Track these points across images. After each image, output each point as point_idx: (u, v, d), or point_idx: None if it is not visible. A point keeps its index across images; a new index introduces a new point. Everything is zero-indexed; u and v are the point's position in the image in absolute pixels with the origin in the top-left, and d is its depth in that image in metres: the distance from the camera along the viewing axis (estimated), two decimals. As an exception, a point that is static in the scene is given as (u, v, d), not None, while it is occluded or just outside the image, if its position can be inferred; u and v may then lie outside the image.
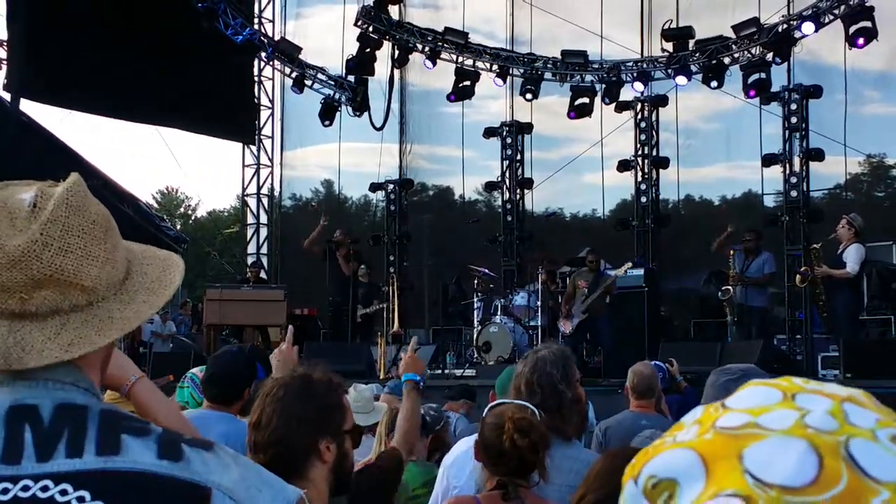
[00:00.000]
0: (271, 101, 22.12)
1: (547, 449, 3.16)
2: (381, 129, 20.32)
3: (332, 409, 2.72)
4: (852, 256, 11.95)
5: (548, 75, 18.61)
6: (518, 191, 18.82)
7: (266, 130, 22.20)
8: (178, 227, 39.01)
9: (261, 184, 22.10)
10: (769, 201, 18.03)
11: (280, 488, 1.50)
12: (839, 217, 12.59)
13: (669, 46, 17.17)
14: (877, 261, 13.80)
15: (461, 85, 18.48)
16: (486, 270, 15.40)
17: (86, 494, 1.34)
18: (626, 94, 18.09)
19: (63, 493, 1.34)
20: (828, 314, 12.93)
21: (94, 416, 1.42)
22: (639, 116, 18.16)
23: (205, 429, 3.24)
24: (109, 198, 14.25)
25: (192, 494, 1.38)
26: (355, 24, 18.45)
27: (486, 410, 3.46)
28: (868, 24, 14.55)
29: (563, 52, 18.34)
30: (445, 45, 18.50)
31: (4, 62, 17.55)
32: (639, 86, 17.76)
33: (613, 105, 18.07)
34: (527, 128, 18.98)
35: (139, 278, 1.54)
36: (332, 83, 19.60)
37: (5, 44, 17.46)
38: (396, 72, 20.19)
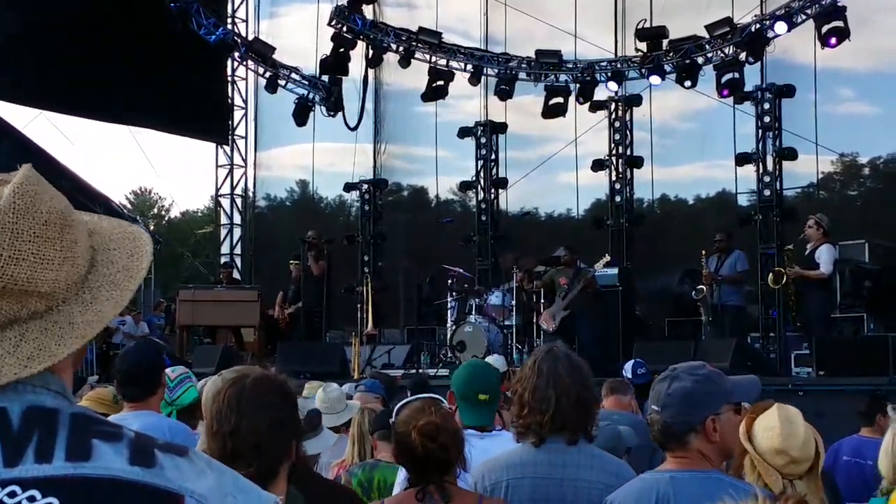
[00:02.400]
0: (245, 101, 22.02)
1: (461, 444, 3.13)
2: (355, 129, 20.27)
3: (296, 408, 2.70)
4: (825, 257, 12.01)
5: (522, 75, 18.61)
6: (492, 190, 18.80)
7: (240, 130, 22.10)
8: (152, 227, 38.77)
9: (234, 184, 21.99)
10: (743, 200, 18.08)
11: (255, 495, 1.46)
12: (811, 217, 12.66)
13: (643, 46, 17.21)
14: (849, 259, 13.88)
15: (435, 85, 18.45)
16: (461, 270, 15.37)
17: (54, 501, 1.30)
18: (601, 93, 18.12)
19: (31, 499, 1.30)
20: (797, 314, 13.01)
21: (65, 420, 1.38)
22: (613, 116, 18.20)
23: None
24: (81, 199, 14.14)
25: (164, 501, 1.34)
26: (329, 24, 18.39)
27: (394, 413, 3.43)
28: (840, 23, 14.63)
29: (538, 52, 18.35)
30: (419, 45, 18.47)
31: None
32: (613, 85, 17.80)
33: (588, 105, 18.10)
34: (501, 128, 18.96)
35: (104, 269, 1.47)
36: (306, 83, 19.53)
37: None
38: (370, 71, 20.14)
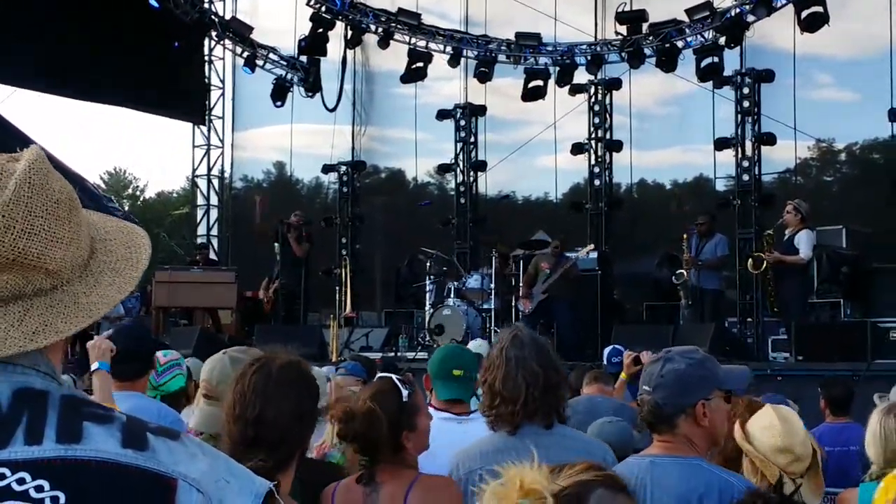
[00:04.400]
0: (222, 81, 21.81)
1: (383, 426, 3.07)
2: (333, 110, 20.17)
3: (318, 398, 2.70)
4: (804, 242, 12.05)
5: (501, 57, 18.59)
6: (471, 173, 18.81)
7: (216, 111, 21.89)
8: (127, 207, 38.54)
9: (211, 165, 21.81)
10: (721, 185, 18.14)
11: (249, 480, 1.44)
12: (789, 201, 12.69)
13: (623, 30, 17.21)
14: (826, 245, 13.93)
15: (414, 66, 18.41)
16: (438, 252, 15.33)
17: (45, 483, 1.28)
18: (580, 76, 18.10)
19: (21, 481, 1.28)
20: (774, 299, 13.05)
21: (55, 402, 1.36)
22: (592, 99, 18.20)
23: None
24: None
25: (156, 485, 1.33)
26: (307, 4, 18.29)
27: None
28: (819, 8, 14.66)
29: (518, 35, 18.33)
30: (398, 26, 18.41)
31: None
32: (592, 69, 17.79)
33: (567, 88, 18.09)
34: (480, 110, 18.96)
35: (104, 257, 1.48)
36: (284, 63, 19.42)
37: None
38: (349, 52, 20.04)
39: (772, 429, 3.40)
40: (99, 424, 1.35)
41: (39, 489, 1.28)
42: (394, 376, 3.23)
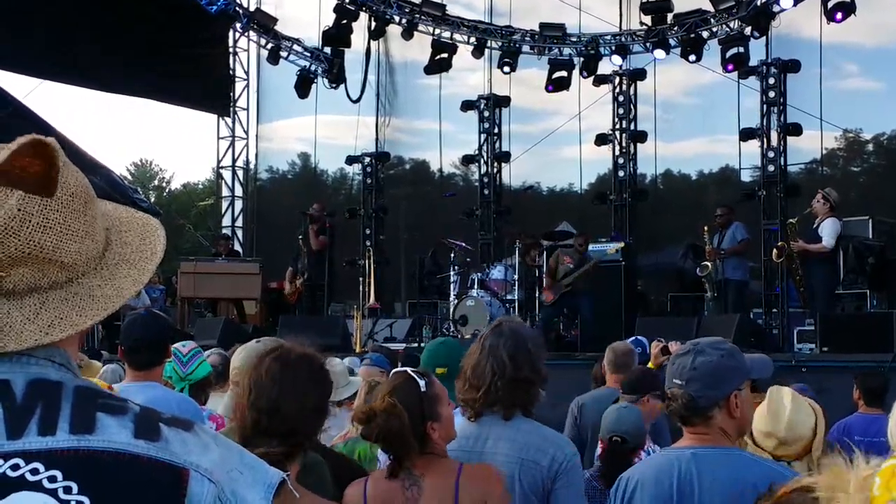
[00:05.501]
0: (246, 73, 21.87)
1: (405, 420, 3.03)
2: (357, 101, 20.18)
3: (331, 391, 2.70)
4: (828, 230, 11.95)
5: (526, 48, 18.53)
6: (495, 164, 18.77)
7: (241, 102, 21.95)
8: (153, 199, 38.75)
9: (236, 156, 21.88)
10: (746, 176, 18.04)
11: (262, 471, 1.45)
12: (816, 192, 12.58)
13: (648, 20, 17.13)
14: (853, 236, 13.80)
15: (438, 57, 18.38)
16: (462, 243, 15.31)
17: (58, 474, 1.29)
18: (605, 67, 18.03)
19: (34, 472, 1.29)
20: (804, 289, 12.95)
21: (69, 393, 1.37)
22: (617, 90, 18.11)
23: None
24: (81, 169, 14.00)
25: (169, 475, 1.34)
26: (332, -4, 18.28)
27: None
28: (846, -3, 14.53)
29: (542, 25, 18.26)
30: (422, 16, 18.38)
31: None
32: (617, 59, 17.71)
33: (591, 79, 18.02)
34: (504, 101, 18.92)
35: (119, 249, 1.48)
36: (308, 55, 19.44)
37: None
38: (373, 43, 20.03)
39: (760, 413, 3.40)
40: (112, 415, 1.36)
41: (52, 479, 1.29)
42: (408, 369, 3.22)
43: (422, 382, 3.10)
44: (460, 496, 3.00)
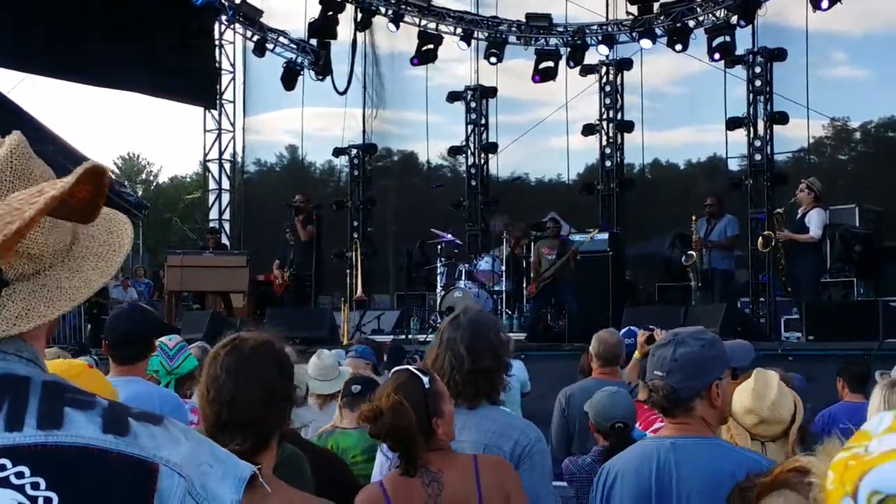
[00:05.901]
0: (232, 65, 21.79)
1: (411, 417, 3.00)
2: (344, 93, 20.15)
3: (293, 377, 2.65)
4: (815, 221, 11.95)
5: (512, 38, 18.51)
6: (482, 155, 18.77)
7: (227, 95, 21.88)
8: (140, 193, 38.64)
9: (223, 149, 21.81)
10: (734, 164, 18.05)
11: (233, 465, 1.44)
12: (802, 181, 12.59)
13: (634, 9, 17.13)
14: (839, 224, 13.85)
15: (424, 48, 18.36)
16: (449, 236, 15.26)
17: (25, 470, 1.28)
18: (591, 57, 18.02)
19: (1, 468, 1.27)
20: (787, 278, 12.97)
21: (37, 388, 1.36)
22: (604, 80, 18.12)
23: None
24: (67, 164, 13.94)
25: (138, 470, 1.33)
26: (317, -13, 18.22)
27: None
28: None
29: (528, 16, 18.25)
30: (408, 7, 18.34)
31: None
32: (603, 49, 17.70)
33: (578, 68, 18.02)
34: (491, 92, 18.90)
35: (86, 242, 1.47)
36: (295, 47, 19.39)
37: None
38: (359, 35, 19.99)
39: (745, 391, 3.41)
40: (80, 410, 1.34)
41: (20, 475, 1.27)
42: (411, 367, 3.21)
43: (425, 379, 3.10)
44: (482, 487, 3.00)
